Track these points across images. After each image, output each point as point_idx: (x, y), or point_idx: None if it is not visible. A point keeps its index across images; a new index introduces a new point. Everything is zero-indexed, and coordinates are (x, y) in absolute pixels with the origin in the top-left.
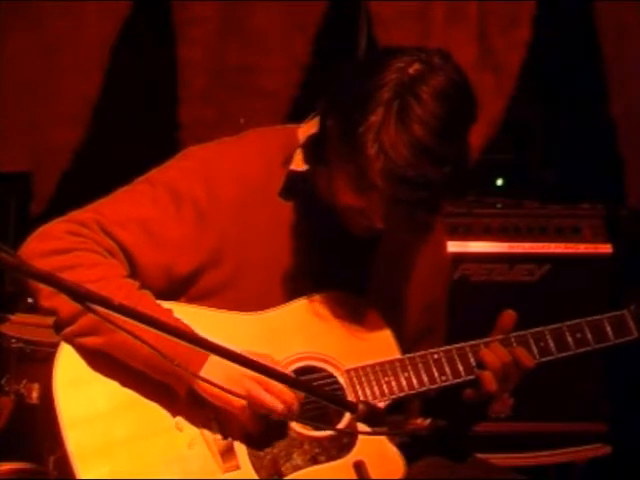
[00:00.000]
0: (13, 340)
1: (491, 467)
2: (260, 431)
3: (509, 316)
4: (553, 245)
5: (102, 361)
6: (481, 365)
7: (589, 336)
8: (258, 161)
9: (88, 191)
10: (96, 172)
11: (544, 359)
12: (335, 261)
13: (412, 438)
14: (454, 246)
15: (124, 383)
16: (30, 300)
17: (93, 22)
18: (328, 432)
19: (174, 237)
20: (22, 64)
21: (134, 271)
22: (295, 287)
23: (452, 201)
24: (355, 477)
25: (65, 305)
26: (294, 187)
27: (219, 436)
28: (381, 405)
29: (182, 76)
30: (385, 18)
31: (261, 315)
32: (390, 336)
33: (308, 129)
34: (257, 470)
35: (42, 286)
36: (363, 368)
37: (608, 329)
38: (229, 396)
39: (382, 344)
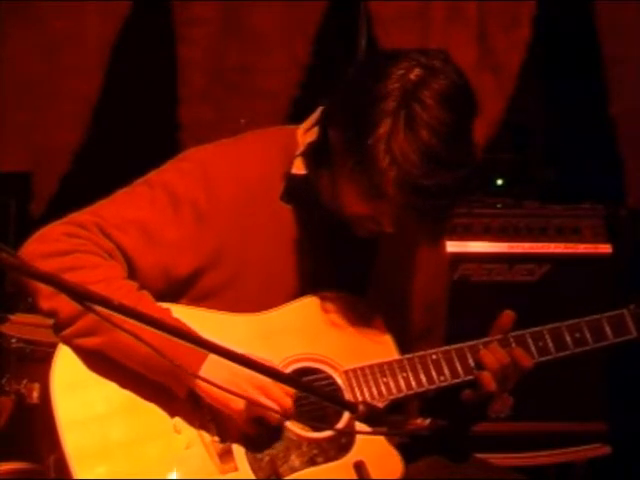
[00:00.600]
0: (13, 340)
1: (491, 467)
2: (257, 434)
3: (508, 316)
4: (553, 245)
5: (100, 364)
6: (480, 366)
7: (588, 336)
8: (257, 162)
9: (88, 191)
10: (96, 172)
11: (543, 359)
12: (335, 262)
13: (412, 438)
14: (454, 246)
15: (122, 385)
16: (30, 300)
17: (93, 22)
18: (326, 433)
19: (173, 239)
20: (22, 64)
21: (134, 273)
22: (294, 288)
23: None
24: (354, 477)
25: (65, 306)
26: (295, 190)
27: (217, 438)
28: (380, 406)
29: (182, 76)
30: (385, 18)
31: (259, 316)
32: (388, 337)
33: (307, 133)
34: (255, 472)
35: (41, 287)
36: (361, 369)
37: (607, 329)
38: (227, 397)
39: (380, 345)
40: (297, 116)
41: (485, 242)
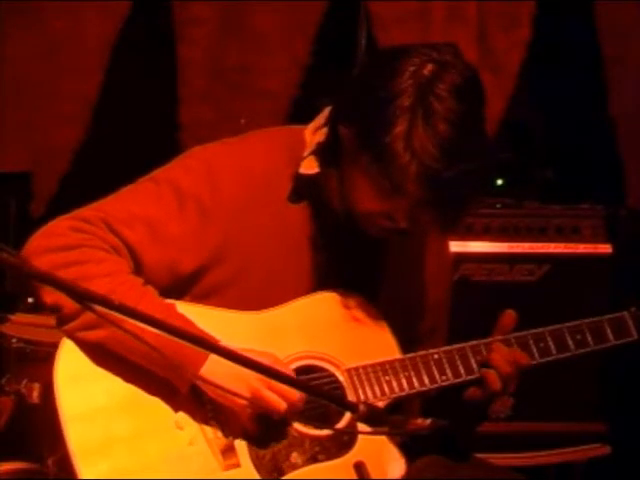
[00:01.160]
0: (13, 340)
1: (491, 467)
2: (259, 431)
3: (510, 316)
4: (553, 245)
5: (103, 358)
6: (486, 365)
7: (589, 337)
8: (262, 161)
9: (88, 191)
10: (96, 172)
11: (544, 360)
12: (339, 262)
13: (412, 438)
14: (454, 246)
15: (125, 380)
16: (30, 300)
17: (93, 22)
18: (328, 431)
19: (178, 235)
20: (22, 64)
21: (139, 269)
22: (298, 286)
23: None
24: (355, 476)
25: (68, 300)
26: (302, 190)
27: (220, 434)
28: (381, 404)
29: (182, 76)
30: (385, 18)
31: (262, 314)
32: (391, 336)
33: (317, 135)
34: (257, 468)
35: None
36: (364, 367)
37: (608, 331)
38: (232, 389)
39: (383, 344)
40: (297, 116)
41: (485, 242)
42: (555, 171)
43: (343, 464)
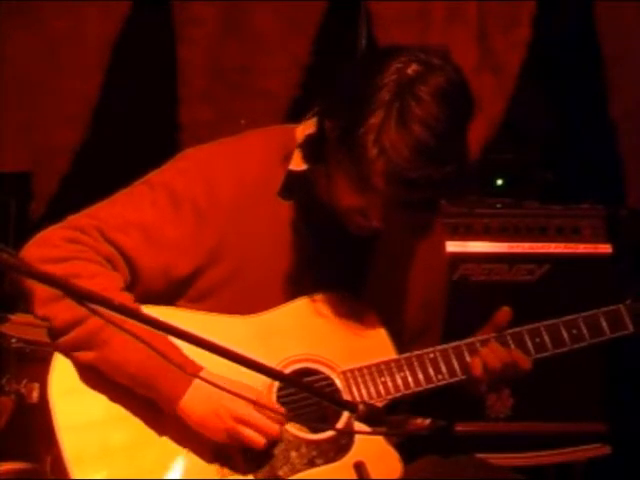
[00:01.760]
0: (13, 340)
1: (491, 467)
2: (247, 453)
3: (505, 313)
4: (553, 245)
5: (97, 369)
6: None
7: (585, 331)
8: (256, 161)
9: (88, 191)
10: (96, 172)
11: (540, 355)
12: (334, 261)
13: (411, 438)
14: (454, 246)
15: (120, 390)
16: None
17: (93, 22)
18: (326, 434)
19: (173, 239)
20: (22, 64)
21: (135, 275)
22: (293, 286)
23: (452, 201)
24: (354, 478)
25: (59, 314)
26: (293, 187)
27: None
28: (379, 406)
29: (182, 76)
30: (385, 18)
31: (257, 317)
32: (386, 336)
33: (306, 128)
34: (254, 475)
35: (37, 293)
36: (359, 369)
37: (604, 324)
38: (210, 428)
39: (378, 345)
40: (297, 116)
41: (485, 242)
42: (555, 171)
43: (341, 467)
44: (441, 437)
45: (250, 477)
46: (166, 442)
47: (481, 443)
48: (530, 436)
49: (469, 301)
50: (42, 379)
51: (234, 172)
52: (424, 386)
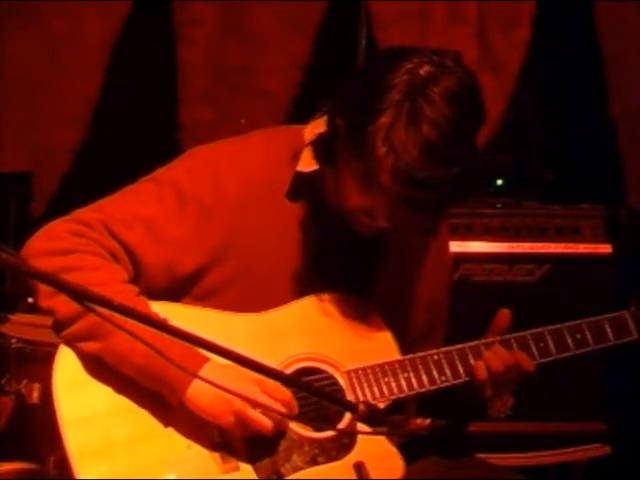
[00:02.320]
0: (13, 340)
1: (491, 467)
2: (254, 442)
3: (504, 315)
4: (553, 245)
5: (102, 363)
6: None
7: (589, 337)
8: (264, 161)
9: (88, 191)
10: (96, 172)
11: (544, 360)
12: (341, 261)
13: (412, 438)
14: (454, 246)
15: (123, 384)
16: (30, 300)
17: (93, 22)
18: (328, 433)
19: (178, 236)
20: (22, 64)
21: (138, 271)
22: (299, 286)
23: (456, 203)
24: (355, 477)
25: (63, 307)
26: (301, 188)
27: (218, 437)
28: (380, 406)
29: (182, 76)
30: (385, 18)
31: (261, 316)
32: (390, 337)
33: (315, 128)
34: (256, 471)
35: (42, 286)
36: (363, 369)
37: (608, 330)
38: (217, 413)
39: (382, 345)
40: (297, 116)
41: (485, 242)
42: (555, 171)
43: (343, 466)
44: (443, 438)
45: (252, 473)
46: (168, 436)
47: (481, 443)
48: (530, 436)
49: (469, 301)
50: (45, 375)
51: (241, 171)
52: (427, 388)
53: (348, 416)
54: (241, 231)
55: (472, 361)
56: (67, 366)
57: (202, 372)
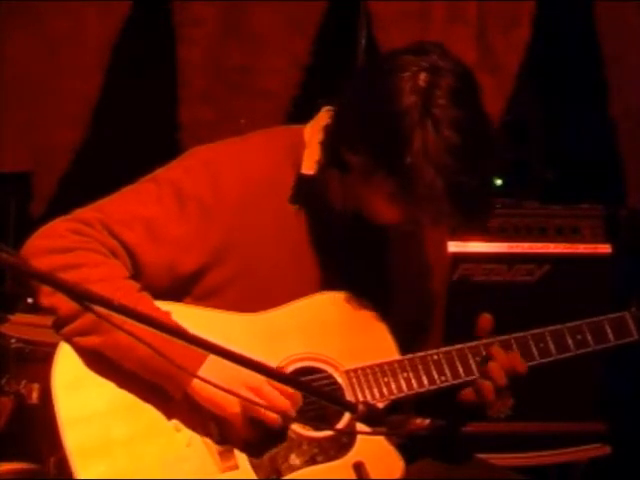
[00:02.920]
0: (13, 340)
1: (491, 467)
2: (256, 436)
3: (486, 319)
4: (553, 245)
5: (101, 362)
6: (484, 373)
7: (589, 338)
8: (264, 161)
9: (88, 191)
10: (96, 172)
11: (544, 360)
12: (340, 261)
13: (411, 438)
14: (454, 246)
15: (123, 383)
16: (30, 300)
17: (93, 22)
18: (327, 433)
19: (178, 236)
20: (22, 64)
21: (138, 270)
22: (299, 286)
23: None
24: (354, 477)
25: (64, 304)
26: (304, 190)
27: (217, 436)
28: (380, 406)
29: (182, 76)
30: (385, 18)
31: (261, 315)
32: (390, 337)
33: (314, 130)
34: (255, 470)
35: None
36: (362, 369)
37: (608, 331)
38: (223, 402)
39: (381, 345)
40: (297, 116)
41: (485, 242)
42: (555, 171)
43: (342, 465)
44: (443, 438)
45: (251, 472)
46: (167, 435)
47: (481, 443)
48: (530, 436)
49: (469, 301)
50: (44, 374)
51: (241, 171)
52: (427, 387)
53: (347, 416)
54: (241, 231)
55: (472, 361)
56: (66, 365)
57: (204, 367)
